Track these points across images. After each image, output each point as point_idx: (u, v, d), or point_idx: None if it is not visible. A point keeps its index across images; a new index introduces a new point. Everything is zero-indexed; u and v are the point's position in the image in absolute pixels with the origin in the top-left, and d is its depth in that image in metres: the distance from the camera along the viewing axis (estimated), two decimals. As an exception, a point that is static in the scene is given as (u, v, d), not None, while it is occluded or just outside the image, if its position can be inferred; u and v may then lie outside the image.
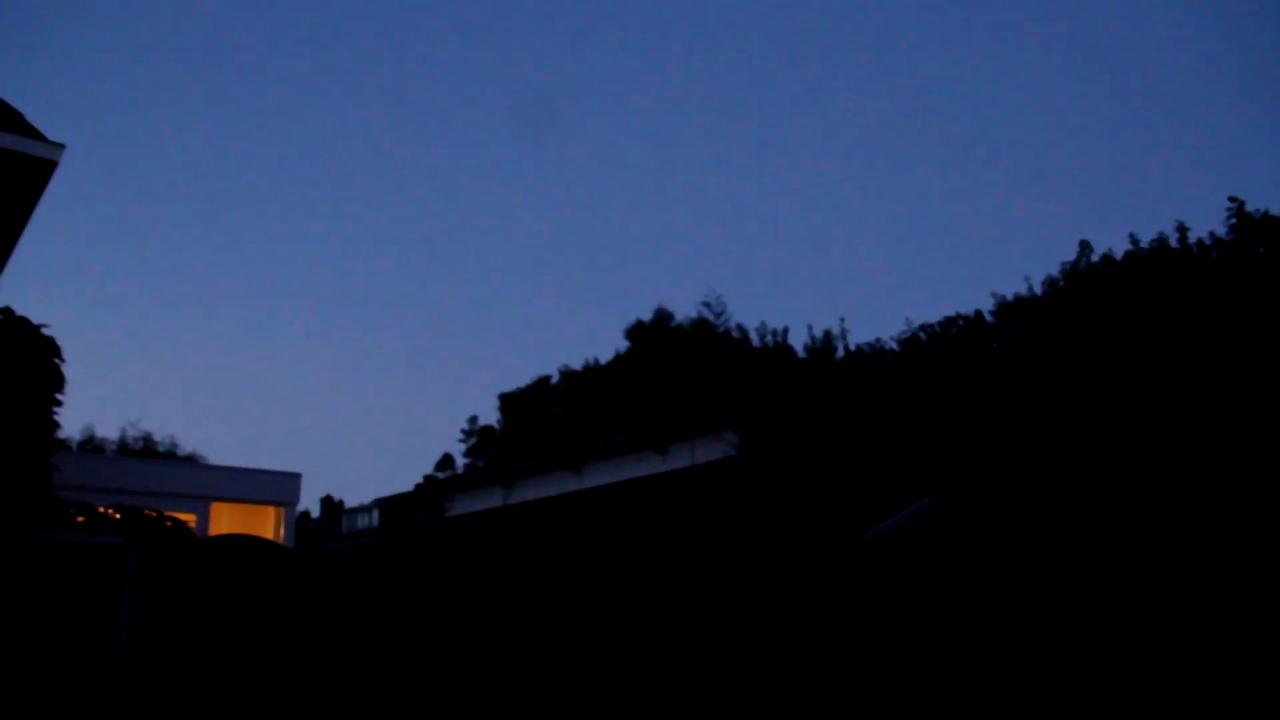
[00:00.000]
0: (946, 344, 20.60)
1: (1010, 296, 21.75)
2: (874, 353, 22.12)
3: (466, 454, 51.28)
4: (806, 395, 19.59)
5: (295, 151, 71.76)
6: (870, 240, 66.51)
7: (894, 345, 21.78)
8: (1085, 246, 20.11)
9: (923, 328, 21.74)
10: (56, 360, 10.37)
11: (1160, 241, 18.73)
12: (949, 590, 9.95)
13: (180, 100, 67.52)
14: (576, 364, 46.17)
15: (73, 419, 47.20)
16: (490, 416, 50.34)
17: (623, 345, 42.88)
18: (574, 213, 72.75)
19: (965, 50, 65.34)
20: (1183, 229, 18.62)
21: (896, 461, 15.49)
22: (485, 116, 71.45)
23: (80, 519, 13.40)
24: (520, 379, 52.01)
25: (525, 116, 70.41)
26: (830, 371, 22.93)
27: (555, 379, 47.03)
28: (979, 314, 21.96)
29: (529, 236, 74.13)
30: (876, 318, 67.64)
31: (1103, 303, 16.88)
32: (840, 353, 24.32)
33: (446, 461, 52.41)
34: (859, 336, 32.13)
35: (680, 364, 35.12)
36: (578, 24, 68.16)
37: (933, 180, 66.40)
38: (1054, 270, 21.07)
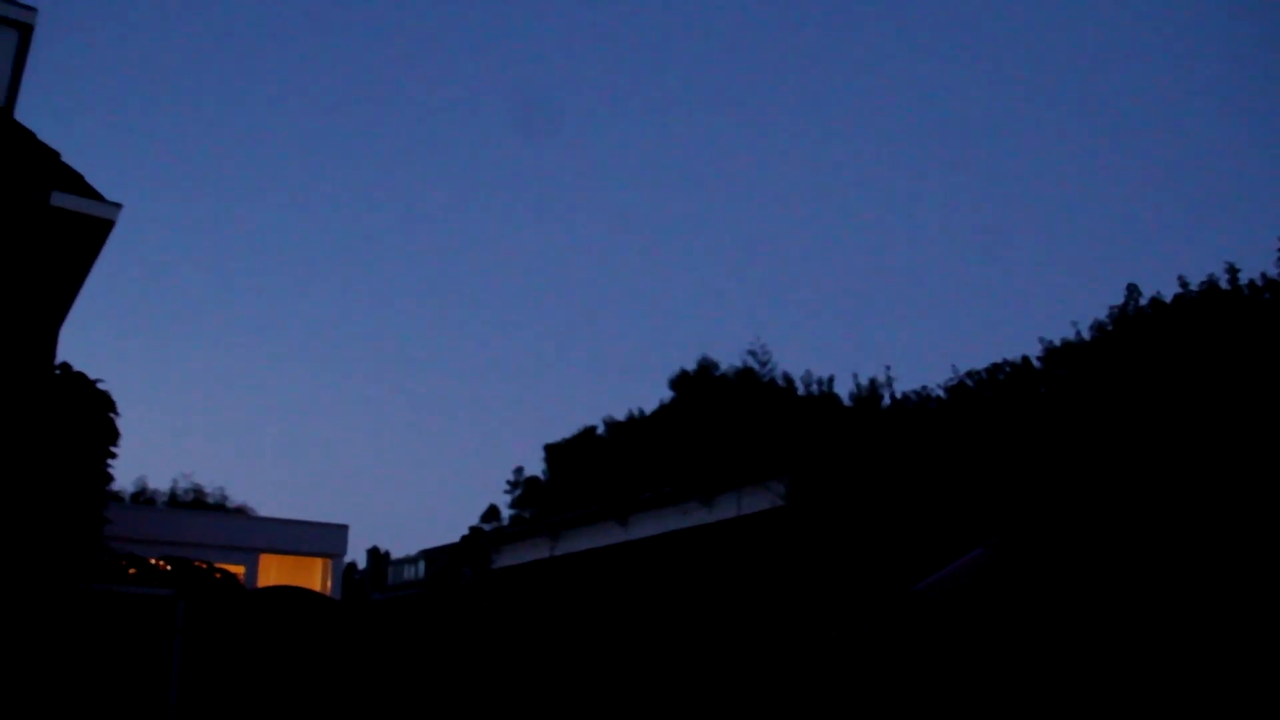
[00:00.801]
0: (994, 391, 20.33)
1: (1058, 342, 21.44)
2: (920, 400, 21.89)
3: (512, 505, 51.32)
4: (853, 444, 19.41)
5: (340, 209, 73.12)
6: (916, 287, 66.22)
7: (940, 393, 21.53)
8: (1133, 290, 19.82)
9: (969, 375, 21.49)
10: (111, 414, 10.56)
11: (1210, 283, 18.42)
12: (1005, 645, 9.73)
13: (225, 151, 69.16)
14: (621, 415, 46.19)
15: (125, 471, 47.91)
16: (536, 467, 50.46)
17: (667, 395, 42.86)
18: (619, 264, 73.26)
19: (1008, 95, 65.32)
20: (1233, 270, 18.31)
21: (945, 510, 15.26)
22: (531, 166, 72.41)
23: (132, 571, 13.55)
24: (565, 430, 52.12)
25: (572, 168, 71.27)
26: (876, 420, 22.72)
27: (600, 430, 47.05)
28: (1026, 360, 21.66)
29: (574, 287, 74.73)
30: (922, 365, 67.10)
31: (1152, 346, 16.60)
32: (886, 401, 24.11)
33: (492, 513, 52.48)
34: (905, 384, 31.84)
35: (725, 413, 34.97)
36: (634, 78, 69.13)
37: (978, 226, 66.12)
38: (1102, 315, 20.77)
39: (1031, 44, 64.14)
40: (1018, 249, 64.23)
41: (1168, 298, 19.15)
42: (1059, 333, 22.49)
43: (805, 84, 65.68)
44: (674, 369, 42.90)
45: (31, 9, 11.91)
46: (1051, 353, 21.41)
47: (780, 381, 37.47)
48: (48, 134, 11.14)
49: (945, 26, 64.23)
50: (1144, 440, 13.72)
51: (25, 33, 12.02)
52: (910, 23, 63.67)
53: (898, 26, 64.96)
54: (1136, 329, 18.59)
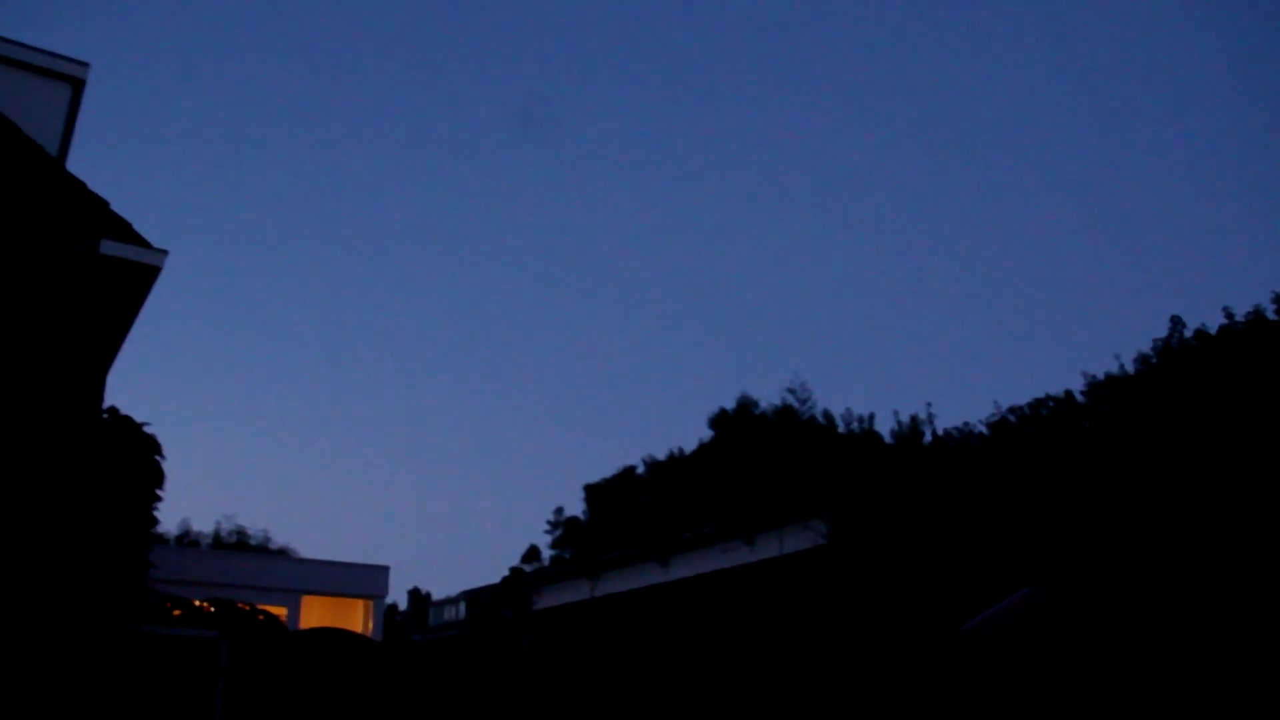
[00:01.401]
0: (1037, 426, 20.10)
1: (1101, 375, 21.21)
2: (962, 437, 21.70)
3: (553, 545, 51.28)
4: (895, 482, 19.23)
5: (373, 255, 74.08)
6: (955, 322, 65.73)
7: (983, 429, 21.34)
8: (1177, 322, 19.59)
9: (1012, 410, 21.29)
10: (157, 457, 10.69)
11: (1256, 314, 18.18)
12: (1057, 685, 9.54)
13: (261, 196, 70.42)
14: (661, 454, 46.11)
15: (170, 513, 48.47)
16: (576, 508, 50.43)
17: (707, 434, 42.73)
18: (654, 303, 73.46)
19: (1049, 124, 65.09)
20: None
21: (991, 548, 15.05)
22: (571, 206, 73.04)
23: (176, 612, 13.66)
24: (605, 469, 52.10)
25: (603, 215, 71.79)
26: (919, 457, 22.52)
27: (640, 469, 46.97)
28: (1069, 394, 21.42)
29: (613, 327, 74.98)
30: (964, 402, 66.41)
31: (1198, 379, 16.35)
32: (928, 438, 23.92)
33: (533, 554, 52.44)
34: (946, 421, 31.57)
35: (765, 452, 34.81)
36: (685, 117, 69.71)
37: (1016, 259, 65.68)
38: (1145, 347, 20.53)
39: (1070, 71, 63.98)
40: (1058, 281, 63.64)
41: (1213, 329, 18.91)
42: (1102, 366, 22.26)
43: (850, 123, 65.84)
44: (713, 408, 42.82)
45: (84, 64, 12.26)
46: (1095, 387, 21.17)
47: (820, 419, 37.26)
48: (96, 179, 11.42)
49: (983, 57, 64.31)
50: (1192, 475, 13.47)
51: (78, 87, 12.37)
52: (946, 51, 63.80)
53: (934, 55, 65.09)
54: (1181, 361, 18.34)
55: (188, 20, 63.36)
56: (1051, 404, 21.13)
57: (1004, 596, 11.81)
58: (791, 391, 39.41)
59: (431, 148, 72.88)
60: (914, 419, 25.28)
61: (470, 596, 38.17)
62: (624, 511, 43.24)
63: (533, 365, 78.02)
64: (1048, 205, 62.85)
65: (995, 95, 63.13)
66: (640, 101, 70.69)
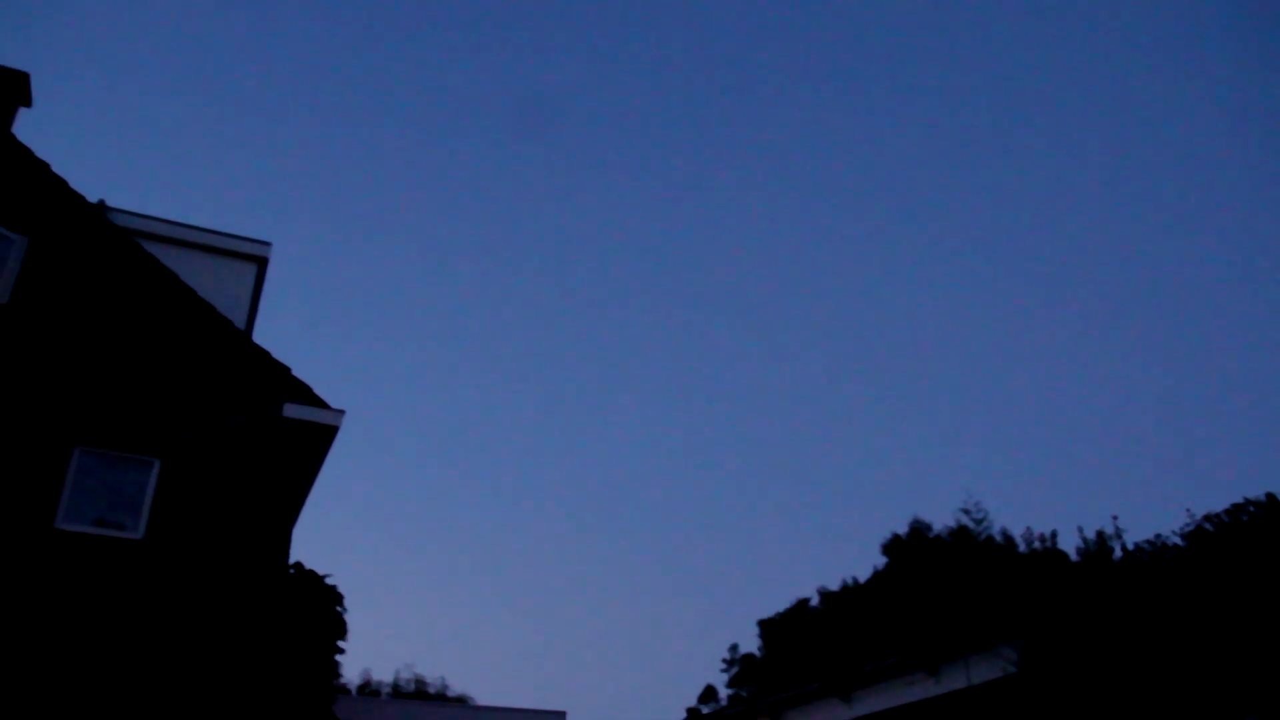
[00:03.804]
0: (1238, 534, 18.68)
1: (1308, 475, 19.66)
2: (1155, 550, 20.33)
3: (729, 684, 50.07)
4: (1087, 602, 18.11)
5: (546, 400, 76.00)
6: (1140, 429, 62.34)
7: (1178, 540, 19.95)
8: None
9: (1208, 518, 19.86)
10: (339, 609, 11.10)
11: None
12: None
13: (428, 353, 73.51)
14: (834, 584, 44.88)
15: (351, 663, 49.64)
16: (751, 644, 49.30)
17: (880, 561, 41.48)
18: (820, 430, 72.53)
19: (1223, 224, 62.41)
20: None
21: (1199, 675, 13.89)
22: (731, 351, 73.60)
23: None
24: (778, 603, 50.92)
25: (765, 347, 71.98)
26: (1110, 574, 21.18)
27: (814, 601, 45.72)
28: (1271, 497, 19.86)
29: (779, 459, 74.20)
30: (1154, 512, 62.32)
31: None
32: (1118, 554, 22.50)
33: (709, 694, 51.25)
34: (1136, 534, 29.74)
35: (943, 576, 33.42)
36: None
37: (1203, 357, 62.28)
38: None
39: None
40: (1251, 374, 59.88)
41: None
42: (1308, 465, 20.64)
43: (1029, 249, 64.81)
44: (885, 534, 41.67)
45: (266, 244, 13.34)
46: (1302, 488, 19.58)
47: (999, 539, 35.66)
48: (276, 343, 12.26)
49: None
50: None
51: (262, 265, 13.44)
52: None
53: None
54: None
55: (355, 200, 68.05)
56: (1252, 509, 19.63)
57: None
58: (966, 511, 37.97)
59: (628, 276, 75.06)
60: (1100, 534, 23.80)
61: (648, 740, 37.34)
62: (801, 645, 41.98)
63: (701, 502, 77.72)
64: (1236, 298, 59.75)
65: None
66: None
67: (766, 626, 47.51)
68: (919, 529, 40.60)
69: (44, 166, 12.38)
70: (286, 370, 12.08)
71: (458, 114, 71.97)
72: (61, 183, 12.35)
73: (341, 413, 11.82)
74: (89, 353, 11.23)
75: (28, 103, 12.87)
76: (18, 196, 11.97)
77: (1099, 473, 60.58)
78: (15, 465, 10.28)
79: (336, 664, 11.06)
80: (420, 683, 47.03)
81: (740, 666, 49.61)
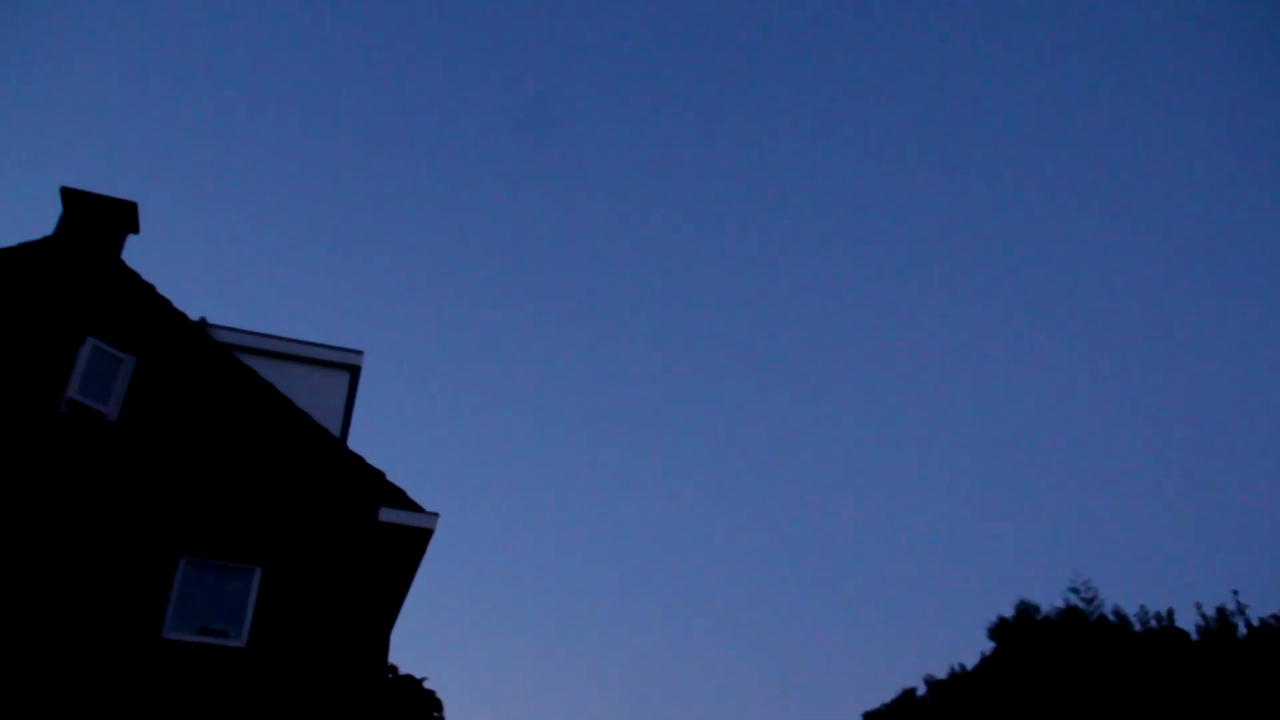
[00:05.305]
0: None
1: None
2: (1282, 627, 19.29)
3: (838, 781, 48.27)
4: (1213, 684, 17.18)
5: (641, 493, 75.83)
6: (1256, 498, 59.57)
7: (1306, 615, 18.90)
8: None
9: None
10: (437, 714, 11.10)
11: None
12: None
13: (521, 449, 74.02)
14: (940, 671, 43.30)
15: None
16: (858, 738, 47.56)
17: (987, 646, 39.99)
18: (918, 511, 70.88)
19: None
20: None
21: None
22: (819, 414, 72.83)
23: None
24: (884, 693, 49.26)
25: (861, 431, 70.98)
26: (1234, 653, 20.12)
27: (921, 690, 44.14)
28: None
29: (879, 543, 72.58)
30: (1276, 585, 59.13)
31: None
32: (1242, 630, 21.39)
33: (818, 791, 49.45)
34: (1260, 609, 28.20)
35: (1055, 659, 32.06)
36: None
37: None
38: None
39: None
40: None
41: None
42: None
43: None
44: (991, 617, 40.21)
45: (358, 352, 13.74)
46: None
47: (1111, 618, 34.14)
48: (369, 451, 12.51)
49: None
50: None
51: (354, 374, 13.83)
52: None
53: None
54: None
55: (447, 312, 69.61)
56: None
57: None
58: (1074, 591, 36.51)
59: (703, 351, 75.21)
60: (1221, 611, 22.74)
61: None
62: (908, 737, 40.42)
63: (791, 587, 76.16)
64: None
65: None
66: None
67: (871, 719, 45.95)
68: (1026, 610, 39.10)
69: (149, 289, 13.05)
70: (381, 475, 12.32)
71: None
72: (166, 303, 12.98)
73: (435, 515, 11.97)
74: (193, 465, 11.62)
75: (135, 229, 13.62)
76: (126, 318, 12.59)
77: (1214, 544, 57.86)
78: (124, 576, 10.61)
79: (437, 769, 11.01)
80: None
81: (847, 760, 47.86)
